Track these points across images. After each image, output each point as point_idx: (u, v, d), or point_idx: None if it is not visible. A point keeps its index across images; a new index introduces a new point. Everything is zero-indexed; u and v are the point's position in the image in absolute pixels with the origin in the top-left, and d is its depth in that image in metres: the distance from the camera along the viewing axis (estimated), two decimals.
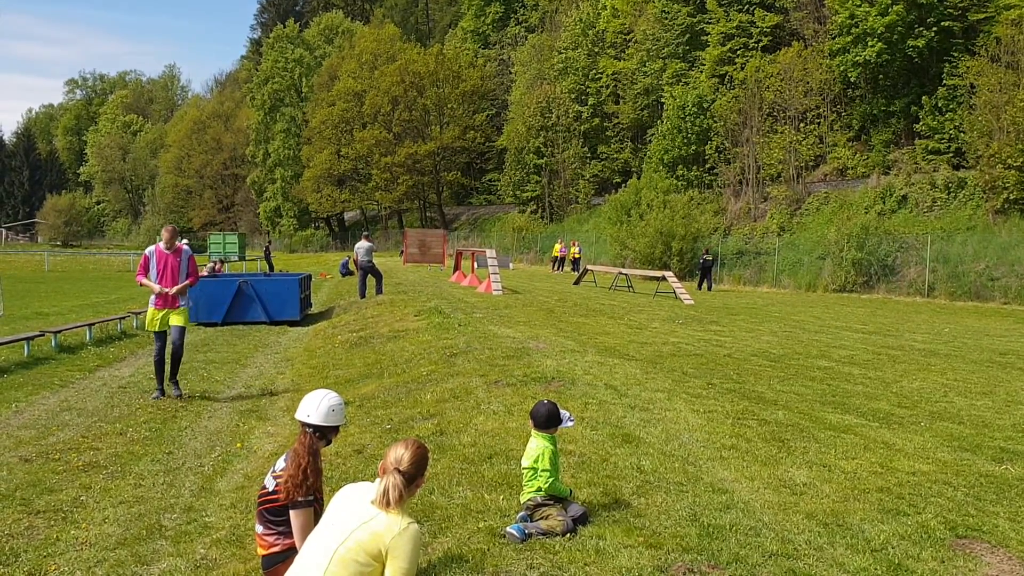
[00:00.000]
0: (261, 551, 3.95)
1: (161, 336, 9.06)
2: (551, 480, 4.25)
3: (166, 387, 9.09)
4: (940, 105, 29.68)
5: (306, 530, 3.70)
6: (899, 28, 29.46)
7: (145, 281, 9.03)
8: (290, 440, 6.10)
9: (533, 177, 49.39)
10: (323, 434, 4.02)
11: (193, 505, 5.51)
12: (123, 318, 15.08)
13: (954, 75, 28.87)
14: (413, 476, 3.26)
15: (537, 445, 4.34)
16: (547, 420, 4.36)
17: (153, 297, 9.01)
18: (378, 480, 3.24)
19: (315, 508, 3.87)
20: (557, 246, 38.12)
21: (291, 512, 3.83)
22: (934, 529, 4.25)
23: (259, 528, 3.96)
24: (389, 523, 3.09)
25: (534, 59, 53.98)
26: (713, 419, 6.49)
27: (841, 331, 14.89)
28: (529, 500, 4.29)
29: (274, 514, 3.89)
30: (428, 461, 3.42)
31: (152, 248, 9.11)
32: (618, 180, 45.24)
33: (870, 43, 30.08)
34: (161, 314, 9.02)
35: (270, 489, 3.92)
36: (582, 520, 4.23)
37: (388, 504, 3.12)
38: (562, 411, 4.42)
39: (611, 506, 4.50)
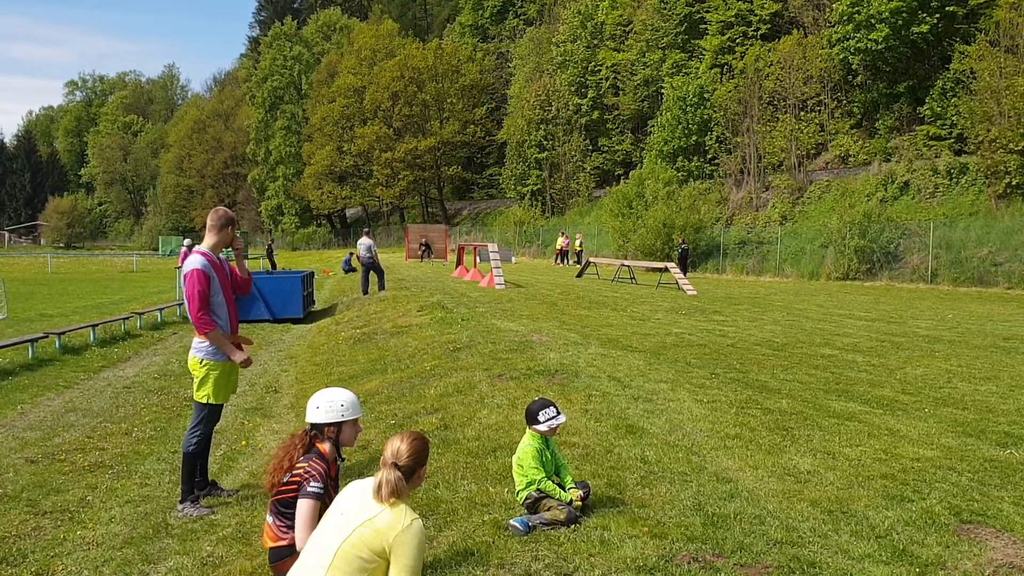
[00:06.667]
0: (269, 543, 3.98)
1: (217, 411, 5.44)
2: (539, 478, 4.27)
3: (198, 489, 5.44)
4: (943, 89, 29.56)
5: (308, 520, 3.72)
6: (903, 14, 29.31)
7: (213, 333, 5.16)
8: None
9: (534, 171, 49.34)
10: (319, 431, 4.07)
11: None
12: (126, 319, 15.11)
13: (955, 60, 28.74)
14: (412, 469, 3.23)
15: (522, 442, 4.44)
16: (527, 416, 4.44)
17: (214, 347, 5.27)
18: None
19: (324, 503, 3.88)
20: (560, 239, 37.97)
21: (299, 500, 3.85)
22: (939, 515, 4.24)
23: (269, 519, 4.00)
24: (392, 519, 3.06)
25: (533, 52, 53.90)
26: (717, 409, 6.49)
27: (844, 319, 14.86)
28: (525, 500, 4.30)
29: (286, 506, 3.93)
30: (428, 452, 3.37)
31: (201, 259, 5.16)
32: (619, 172, 45.20)
33: (878, 27, 29.90)
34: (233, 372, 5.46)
35: (284, 480, 3.95)
36: (585, 493, 4.29)
37: (383, 499, 3.11)
38: (543, 411, 4.36)
39: (615, 497, 4.51)
